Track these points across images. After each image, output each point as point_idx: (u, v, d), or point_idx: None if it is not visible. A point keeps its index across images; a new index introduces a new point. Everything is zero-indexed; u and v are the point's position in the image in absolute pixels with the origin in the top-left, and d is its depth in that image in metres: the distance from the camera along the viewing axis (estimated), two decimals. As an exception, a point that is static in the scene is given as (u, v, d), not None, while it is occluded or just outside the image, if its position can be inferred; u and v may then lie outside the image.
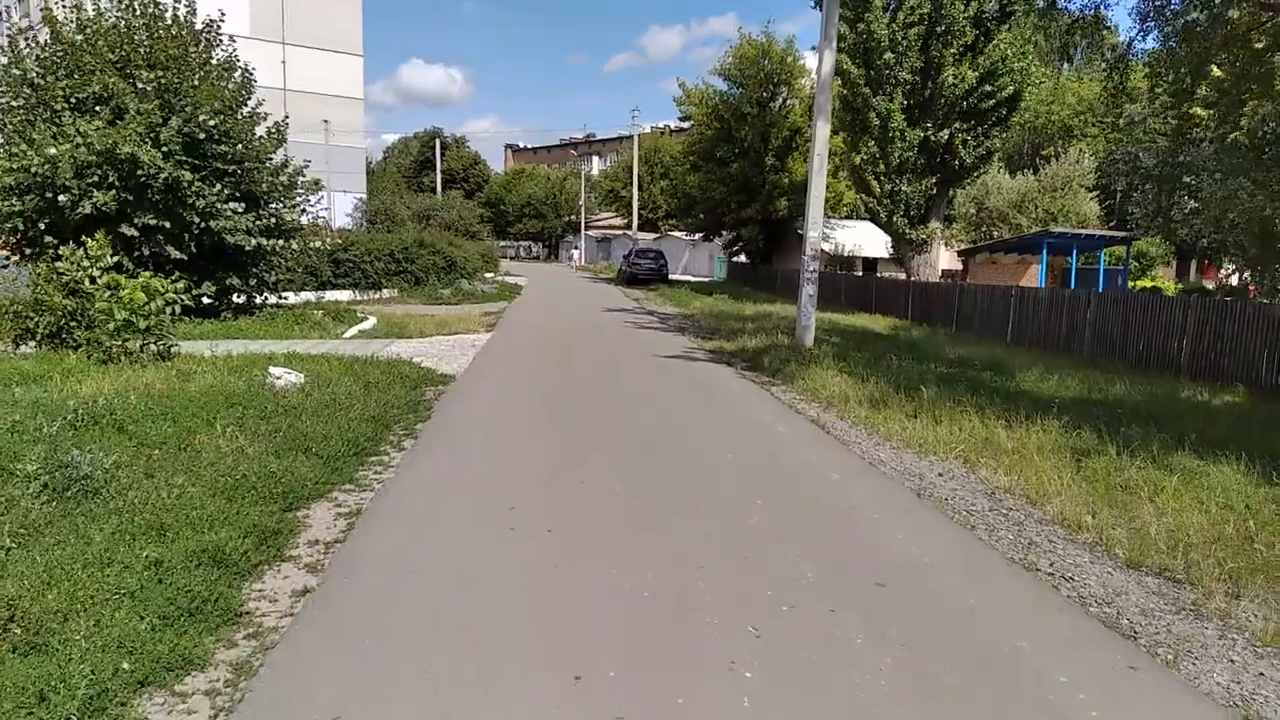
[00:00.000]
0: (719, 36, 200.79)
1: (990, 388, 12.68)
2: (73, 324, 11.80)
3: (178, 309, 11.40)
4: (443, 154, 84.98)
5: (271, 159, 19.08)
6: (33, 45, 16.84)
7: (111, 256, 12.15)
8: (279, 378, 10.20)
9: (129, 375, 9.78)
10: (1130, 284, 37.94)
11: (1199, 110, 23.74)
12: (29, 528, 4.97)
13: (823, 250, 41.24)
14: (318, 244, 20.89)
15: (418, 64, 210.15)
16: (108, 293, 11.11)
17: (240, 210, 17.39)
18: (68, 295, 11.89)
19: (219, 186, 17.00)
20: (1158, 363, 15.78)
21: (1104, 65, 15.71)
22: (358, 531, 5.63)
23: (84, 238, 12.20)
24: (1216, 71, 12.72)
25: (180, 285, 11.45)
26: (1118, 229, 43.76)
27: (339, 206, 53.56)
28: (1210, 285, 49.31)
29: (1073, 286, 33.41)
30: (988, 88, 25.82)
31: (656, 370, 14.41)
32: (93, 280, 11.71)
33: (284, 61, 57.55)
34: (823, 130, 16.05)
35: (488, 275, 39.55)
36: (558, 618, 4.46)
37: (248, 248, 17.93)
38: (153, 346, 11.55)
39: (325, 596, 4.60)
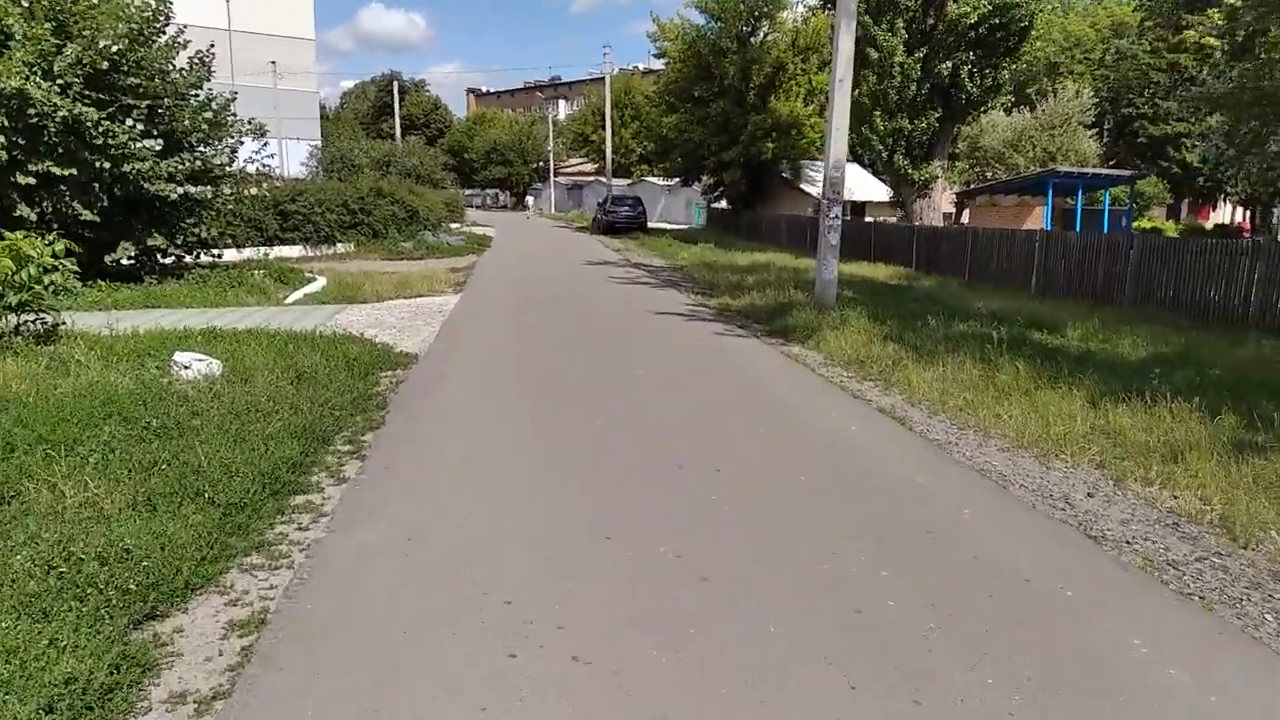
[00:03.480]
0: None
1: (1054, 351, 10.63)
2: (-70, 300, 9.29)
3: (60, 277, 8.89)
4: (402, 99, 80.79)
5: (195, 95, 16.33)
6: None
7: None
8: (186, 367, 7.85)
9: (-18, 370, 7.38)
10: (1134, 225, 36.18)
11: (1212, 40, 21.61)
12: None
13: (811, 195, 39.02)
14: (254, 191, 18.14)
15: (377, 8, 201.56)
16: (-33, 260, 8.62)
17: (157, 151, 14.71)
18: (-78, 264, 9.35)
19: (130, 122, 14.30)
20: (1219, 314, 13.89)
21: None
22: (254, 666, 3.35)
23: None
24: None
25: (60, 246, 8.95)
26: (1116, 167, 41.91)
27: (292, 155, 50.22)
28: (1208, 226, 47.81)
29: (1078, 228, 31.64)
30: (998, 20, 23.47)
31: (662, 339, 12.13)
32: (-47, 245, 9.20)
33: (228, 1, 53.58)
34: (846, 42, 13.38)
35: (453, 226, 36.79)
36: None
37: (172, 197, 15.26)
38: (33, 326, 9.12)
39: None
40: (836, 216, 13.74)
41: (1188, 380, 8.87)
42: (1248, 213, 50.70)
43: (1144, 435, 6.88)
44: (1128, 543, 4.85)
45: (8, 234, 8.78)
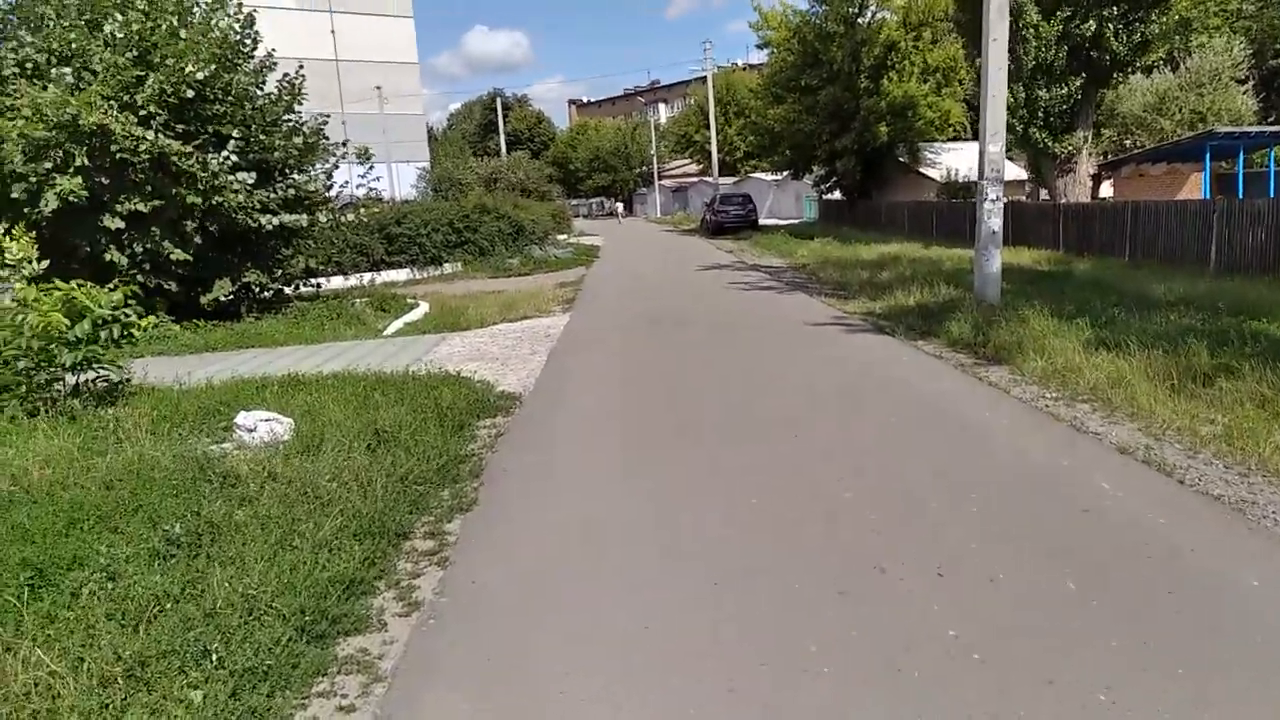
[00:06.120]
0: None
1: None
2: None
3: (116, 331, 7.84)
4: (505, 115, 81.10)
5: (286, 121, 15.50)
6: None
7: (38, 260, 8.68)
8: (250, 430, 6.62)
9: (16, 447, 6.30)
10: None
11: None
12: None
13: (932, 178, 36.26)
14: (352, 217, 17.20)
15: (481, 31, 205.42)
16: (20, 316, 7.68)
17: (251, 182, 13.86)
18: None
19: (224, 154, 13.49)
20: None
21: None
22: None
23: (-3, 239, 8.75)
24: None
25: (118, 296, 7.90)
26: (1275, 124, 37.56)
27: (403, 178, 50.63)
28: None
29: (1240, 194, 28.28)
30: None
31: (805, 362, 10.23)
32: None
33: (333, 31, 54.36)
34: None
35: (560, 237, 35.74)
36: None
37: (267, 228, 14.48)
38: (96, 385, 8.13)
39: None
40: (998, 199, 11.70)
41: None
42: None
43: None
44: None
45: (60, 284, 7.78)
